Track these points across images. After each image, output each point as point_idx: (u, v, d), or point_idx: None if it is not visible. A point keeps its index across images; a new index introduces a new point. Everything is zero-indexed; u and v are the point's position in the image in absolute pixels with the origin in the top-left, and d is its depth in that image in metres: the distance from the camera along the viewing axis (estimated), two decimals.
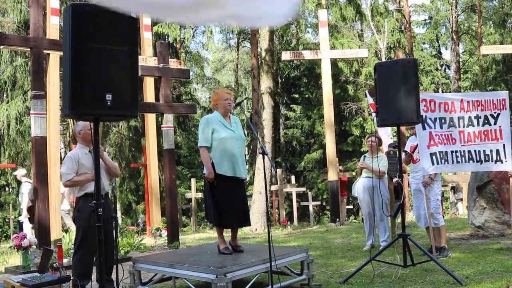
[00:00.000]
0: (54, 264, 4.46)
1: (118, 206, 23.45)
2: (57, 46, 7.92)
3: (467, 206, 9.48)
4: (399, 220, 6.90)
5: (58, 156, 8.52)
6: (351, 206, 21.93)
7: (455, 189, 16.80)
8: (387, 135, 10.43)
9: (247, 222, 5.30)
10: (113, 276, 4.61)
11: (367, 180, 7.47)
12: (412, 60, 5.60)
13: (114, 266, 4.07)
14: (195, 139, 26.22)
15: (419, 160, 6.45)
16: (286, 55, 14.88)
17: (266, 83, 15.68)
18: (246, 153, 26.31)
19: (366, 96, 14.53)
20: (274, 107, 17.09)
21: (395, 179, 8.11)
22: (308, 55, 15.02)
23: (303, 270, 5.12)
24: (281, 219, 17.37)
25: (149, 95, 11.63)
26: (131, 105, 3.52)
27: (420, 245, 5.61)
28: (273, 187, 18.41)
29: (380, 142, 7.93)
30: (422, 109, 5.93)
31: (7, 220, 20.46)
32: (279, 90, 28.08)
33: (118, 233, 6.37)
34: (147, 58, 10.00)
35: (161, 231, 10.63)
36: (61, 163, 6.96)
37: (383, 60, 21.24)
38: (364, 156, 7.87)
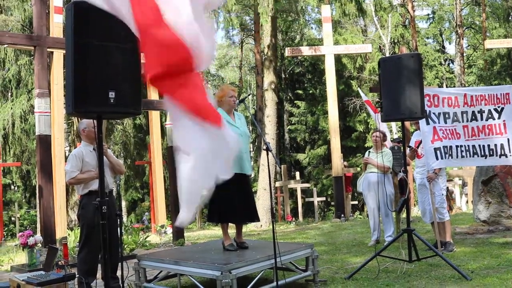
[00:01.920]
0: (60, 262, 4.47)
1: (124, 203, 23.53)
2: (60, 44, 7.95)
3: (472, 201, 9.45)
4: (404, 215, 6.89)
5: (62, 154, 8.56)
6: (356, 202, 21.89)
7: None
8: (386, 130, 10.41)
9: (254, 218, 5.27)
10: (118, 274, 4.64)
11: (372, 176, 7.45)
12: (416, 55, 5.58)
13: (119, 263, 4.08)
14: None
15: (424, 155, 6.43)
16: (289, 52, 14.85)
17: (269, 79, 15.65)
18: (251, 149, 26.31)
19: (360, 95, 14.51)
20: (278, 103, 17.08)
21: (400, 174, 8.08)
22: (311, 51, 14.98)
23: (308, 266, 5.11)
24: (285, 215, 17.39)
25: (153, 93, 11.64)
26: (134, 102, 3.51)
27: (425, 240, 5.60)
28: (278, 183, 18.41)
29: (384, 138, 7.91)
30: (426, 104, 5.91)
31: (12, 218, 20.54)
32: (283, 86, 28.03)
33: (122, 231, 6.39)
34: None
35: (166, 228, 10.66)
36: (65, 161, 6.98)
37: (387, 55, 21.18)
38: (369, 151, 7.83)
